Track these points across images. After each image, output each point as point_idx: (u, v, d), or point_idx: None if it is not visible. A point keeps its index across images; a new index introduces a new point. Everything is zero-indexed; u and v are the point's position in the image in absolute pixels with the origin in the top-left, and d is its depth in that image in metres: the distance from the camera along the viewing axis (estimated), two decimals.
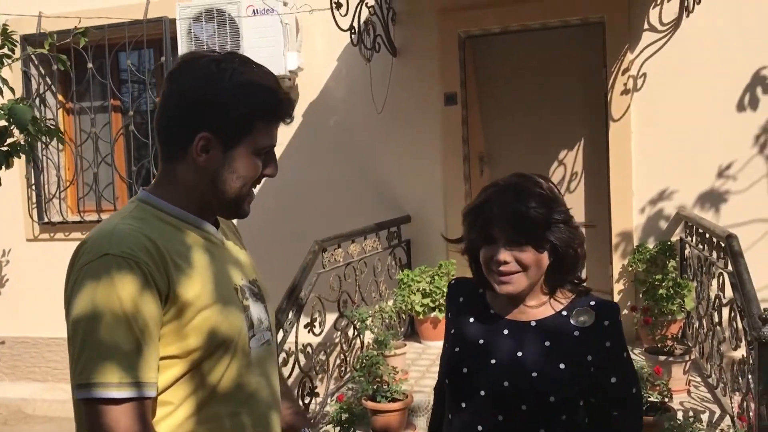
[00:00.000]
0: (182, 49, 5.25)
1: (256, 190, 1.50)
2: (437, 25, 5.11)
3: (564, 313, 1.64)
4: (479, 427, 1.62)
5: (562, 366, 1.59)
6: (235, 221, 1.62)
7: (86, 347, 1.22)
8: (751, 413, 3.19)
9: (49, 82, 6.07)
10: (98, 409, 1.21)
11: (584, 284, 1.69)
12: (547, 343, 1.62)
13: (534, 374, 1.58)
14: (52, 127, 2.09)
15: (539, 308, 1.66)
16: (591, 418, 1.64)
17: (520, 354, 1.62)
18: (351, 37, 4.63)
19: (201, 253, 1.41)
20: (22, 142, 2.11)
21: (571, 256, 1.62)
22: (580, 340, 1.61)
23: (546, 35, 5.20)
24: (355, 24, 4.64)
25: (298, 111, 5.34)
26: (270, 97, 1.42)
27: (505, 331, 1.66)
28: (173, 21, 5.41)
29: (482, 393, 1.62)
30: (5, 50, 2.08)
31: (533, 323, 1.64)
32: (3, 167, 1.98)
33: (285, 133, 5.44)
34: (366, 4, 4.70)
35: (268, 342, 1.52)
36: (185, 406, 1.34)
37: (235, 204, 1.45)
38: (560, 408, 1.58)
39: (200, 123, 1.38)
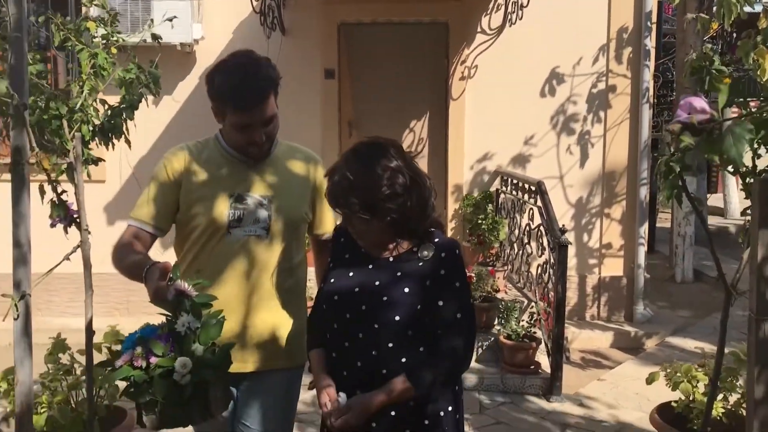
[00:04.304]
0: (93, 15, 5.89)
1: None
2: (320, 13, 6.27)
3: (414, 249, 2.00)
4: (346, 343, 1.97)
5: (406, 290, 1.93)
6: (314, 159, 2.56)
7: None
8: (551, 294, 4.89)
9: None
10: None
11: (435, 228, 2.03)
12: (398, 273, 1.97)
13: (384, 298, 1.93)
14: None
15: (397, 248, 2.01)
16: (424, 337, 1.96)
17: (377, 283, 1.96)
18: (260, 17, 5.68)
19: (219, 168, 2.22)
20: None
21: (416, 213, 1.95)
22: (423, 268, 1.96)
23: (405, 29, 6.58)
24: (262, 6, 5.69)
25: (197, 74, 6.23)
26: (226, 91, 2.11)
27: (370, 266, 2.01)
28: None
29: (348, 316, 1.96)
30: None
31: (390, 259, 2.01)
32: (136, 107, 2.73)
33: (183, 93, 6.31)
34: None
35: (259, 236, 2.21)
36: (196, 255, 2.23)
37: (240, 151, 2.22)
38: (406, 325, 1.92)
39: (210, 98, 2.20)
